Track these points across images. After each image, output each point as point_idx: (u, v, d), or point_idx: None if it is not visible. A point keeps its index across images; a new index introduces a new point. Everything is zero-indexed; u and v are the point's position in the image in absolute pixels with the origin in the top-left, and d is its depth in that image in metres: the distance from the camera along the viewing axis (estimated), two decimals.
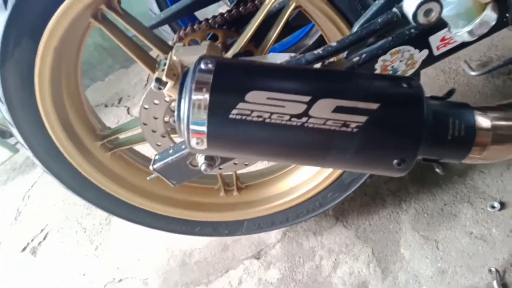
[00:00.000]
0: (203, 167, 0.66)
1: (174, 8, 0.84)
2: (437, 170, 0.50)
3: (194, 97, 0.45)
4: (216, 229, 1.05)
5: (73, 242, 1.53)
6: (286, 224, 1.06)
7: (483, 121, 0.45)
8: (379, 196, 1.10)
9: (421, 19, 0.45)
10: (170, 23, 1.33)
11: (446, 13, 0.48)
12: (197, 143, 0.47)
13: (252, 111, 0.44)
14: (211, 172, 0.95)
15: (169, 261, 1.26)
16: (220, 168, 0.90)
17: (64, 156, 0.84)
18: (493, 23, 0.48)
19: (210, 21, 0.85)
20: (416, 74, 0.73)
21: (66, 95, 0.80)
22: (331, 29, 0.68)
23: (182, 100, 0.46)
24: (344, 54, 0.62)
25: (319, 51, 0.56)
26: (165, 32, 1.42)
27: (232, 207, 1.04)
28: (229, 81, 0.45)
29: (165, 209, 1.01)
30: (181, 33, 0.84)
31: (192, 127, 0.46)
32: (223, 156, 0.59)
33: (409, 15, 0.45)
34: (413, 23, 0.46)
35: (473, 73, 1.24)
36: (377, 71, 0.60)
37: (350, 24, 0.65)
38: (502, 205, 0.94)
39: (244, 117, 0.45)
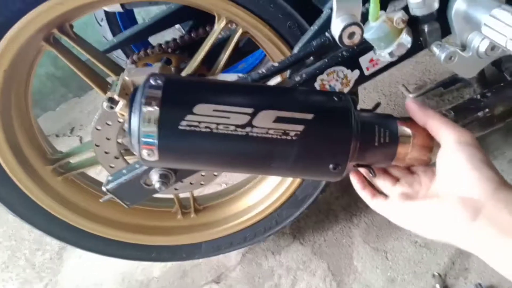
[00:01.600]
0: (157, 185, 0.67)
1: (127, 33, 0.88)
2: (370, 174, 0.55)
3: (144, 110, 0.47)
4: (174, 253, 1.04)
5: (20, 281, 1.44)
6: (245, 244, 1.08)
7: (405, 129, 0.52)
8: (332, 212, 1.15)
9: (346, 41, 0.51)
10: (123, 48, 1.36)
11: (369, 36, 0.55)
12: (148, 155, 0.49)
13: (200, 122, 0.48)
14: (168, 192, 0.96)
15: None
16: (176, 189, 0.92)
17: (13, 180, 0.82)
18: (409, 45, 0.55)
19: (163, 46, 0.89)
20: (354, 92, 0.80)
21: (15, 117, 0.79)
22: (275, 52, 0.74)
23: (133, 114, 0.49)
24: (288, 74, 0.68)
25: (263, 70, 0.62)
26: (119, 58, 1.44)
27: (190, 230, 1.04)
28: (177, 95, 0.48)
29: (120, 234, 0.99)
30: (134, 57, 0.87)
31: (142, 139, 0.48)
32: (175, 167, 0.61)
33: (336, 37, 0.52)
34: (340, 45, 0.52)
35: (410, 95, 1.36)
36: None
37: (291, 47, 0.71)
38: None
39: (192, 128, 0.48)
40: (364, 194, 0.55)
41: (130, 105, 0.50)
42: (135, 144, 0.49)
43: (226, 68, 1.13)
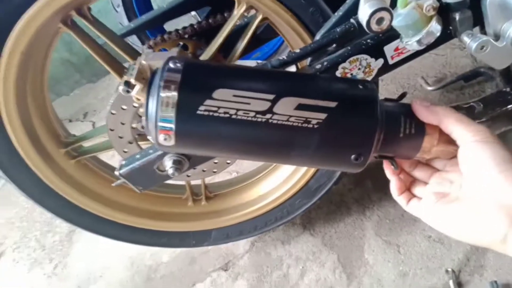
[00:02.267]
0: (170, 171, 0.66)
1: (144, 18, 0.86)
2: (393, 166, 0.53)
3: (162, 94, 0.46)
4: (183, 240, 1.04)
5: (30, 261, 1.45)
6: (255, 233, 1.07)
7: None
8: (344, 204, 1.14)
9: (374, 27, 0.49)
10: (138, 34, 1.34)
11: (397, 24, 0.53)
12: (165, 139, 0.48)
13: (219, 107, 0.46)
14: (180, 179, 0.95)
15: (134, 277, 1.22)
16: (188, 176, 0.91)
17: (26, 162, 0.81)
18: (438, 33, 0.53)
19: (180, 31, 0.87)
20: (374, 81, 0.78)
21: (31, 100, 0.79)
22: (295, 39, 0.72)
23: (150, 98, 0.48)
24: (308, 61, 0.66)
25: (284, 57, 0.60)
26: (134, 44, 1.42)
27: (200, 217, 1.04)
28: (197, 79, 0.47)
29: (130, 219, 0.99)
30: (151, 42, 0.86)
31: (160, 124, 0.47)
32: (191, 152, 0.60)
33: (364, 23, 0.49)
34: (367, 31, 0.50)
35: (429, 88, 1.33)
36: None
37: (312, 35, 0.69)
38: None
39: (211, 113, 0.46)
40: (400, 199, 0.53)
41: (148, 88, 0.49)
42: (152, 128, 0.48)
43: (241, 57, 1.11)
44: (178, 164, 0.66)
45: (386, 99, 0.53)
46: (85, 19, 0.71)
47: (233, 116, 0.46)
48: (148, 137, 0.78)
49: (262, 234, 1.13)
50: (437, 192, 0.49)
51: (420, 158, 0.52)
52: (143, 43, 1.42)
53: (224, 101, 0.46)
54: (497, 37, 0.53)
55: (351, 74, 0.65)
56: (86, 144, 0.94)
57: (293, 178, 0.97)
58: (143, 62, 0.68)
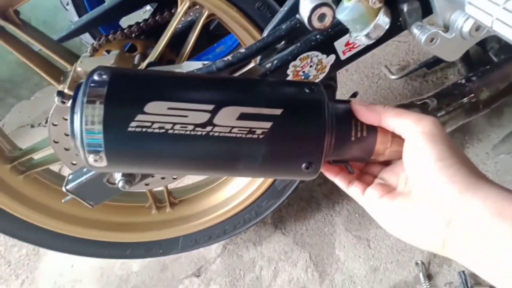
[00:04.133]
0: (120, 184, 0.62)
1: (84, 18, 0.80)
2: (349, 169, 0.50)
3: (86, 111, 0.41)
4: (149, 250, 1.00)
5: None
6: (224, 237, 1.04)
7: None
8: (314, 200, 1.12)
9: (316, 24, 0.45)
10: (90, 32, 1.27)
11: (343, 18, 0.49)
12: (95, 161, 0.44)
13: (153, 122, 0.42)
14: (138, 188, 0.91)
15: None
16: (146, 184, 0.86)
17: None
18: (387, 26, 0.50)
19: (125, 31, 0.81)
20: (332, 77, 0.75)
21: None
22: (245, 36, 0.68)
23: (75, 115, 0.43)
24: (258, 60, 0.62)
25: (229, 58, 0.56)
26: (87, 43, 1.35)
27: (166, 225, 1.00)
28: (125, 92, 0.43)
29: (90, 232, 0.94)
30: (95, 44, 0.80)
31: (87, 144, 0.42)
32: (129, 171, 0.55)
33: (305, 20, 0.46)
34: (310, 29, 0.47)
35: (393, 77, 1.32)
36: (290, 77, 0.61)
37: (261, 30, 0.65)
38: None
39: (144, 129, 0.42)
40: (352, 190, 0.49)
41: (73, 103, 0.44)
42: (80, 148, 0.44)
43: (199, 53, 1.06)
44: (128, 176, 0.62)
45: (337, 101, 0.50)
46: (12, 24, 0.65)
47: (170, 131, 0.42)
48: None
49: (233, 236, 1.10)
50: (381, 185, 0.46)
51: (375, 160, 0.49)
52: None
53: (158, 115, 0.42)
54: (446, 28, 0.51)
55: (303, 72, 0.62)
56: (35, 157, 0.87)
57: (258, 179, 0.94)
58: (79, 69, 0.63)
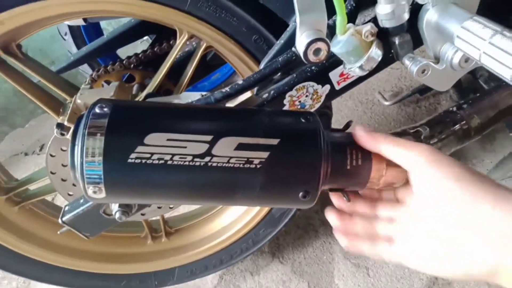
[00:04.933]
0: (117, 215, 0.62)
1: (84, 50, 0.82)
2: (345, 198, 0.51)
3: (87, 143, 0.42)
4: (144, 281, 0.97)
5: None
6: (221, 267, 1.02)
7: None
8: (312, 227, 1.11)
9: (312, 57, 0.47)
10: (89, 62, 1.29)
11: (337, 50, 0.51)
12: (95, 192, 0.44)
13: (152, 153, 0.42)
14: (135, 218, 0.90)
15: None
16: (142, 214, 0.85)
17: None
18: (379, 58, 0.52)
19: (124, 61, 0.83)
20: (327, 105, 0.77)
21: None
22: (242, 67, 0.70)
23: (75, 147, 0.43)
24: (255, 91, 0.63)
25: (227, 89, 0.57)
26: (85, 72, 1.37)
27: (161, 255, 0.98)
28: (126, 124, 0.43)
29: (85, 264, 0.92)
30: (93, 74, 0.81)
31: (87, 175, 0.43)
32: (127, 202, 0.55)
33: (301, 54, 0.47)
34: (305, 62, 0.48)
35: (386, 103, 1.34)
36: (286, 106, 0.62)
37: (258, 62, 0.67)
38: None
39: (144, 160, 0.42)
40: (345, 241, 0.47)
41: (73, 135, 0.45)
42: (79, 180, 0.44)
43: (196, 82, 1.08)
44: (125, 207, 0.61)
45: (332, 130, 0.51)
46: (14, 58, 0.66)
47: (169, 162, 0.43)
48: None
49: (230, 266, 1.08)
50: (389, 230, 0.45)
51: (370, 188, 0.50)
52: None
53: (158, 146, 0.43)
54: (437, 59, 0.53)
55: (299, 102, 0.63)
56: (31, 188, 0.87)
57: (255, 207, 0.93)
58: (78, 101, 0.64)
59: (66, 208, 0.66)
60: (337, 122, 1.22)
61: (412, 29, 0.52)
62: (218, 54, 0.80)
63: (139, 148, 0.42)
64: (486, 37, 0.42)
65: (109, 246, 0.94)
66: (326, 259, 1.04)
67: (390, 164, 0.47)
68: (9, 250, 0.84)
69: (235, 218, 0.97)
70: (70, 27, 1.37)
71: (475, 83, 0.99)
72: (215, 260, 0.99)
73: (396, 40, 0.52)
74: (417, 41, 0.55)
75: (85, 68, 1.42)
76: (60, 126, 0.58)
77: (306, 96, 0.62)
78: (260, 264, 1.09)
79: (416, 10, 0.52)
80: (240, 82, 0.57)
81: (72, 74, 1.82)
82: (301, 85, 0.60)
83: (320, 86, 0.61)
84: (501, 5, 0.60)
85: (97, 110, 0.43)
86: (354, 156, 0.47)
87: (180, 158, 0.43)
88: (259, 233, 0.96)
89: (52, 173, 0.74)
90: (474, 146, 1.09)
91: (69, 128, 0.59)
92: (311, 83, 0.60)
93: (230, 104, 0.60)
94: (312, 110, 0.64)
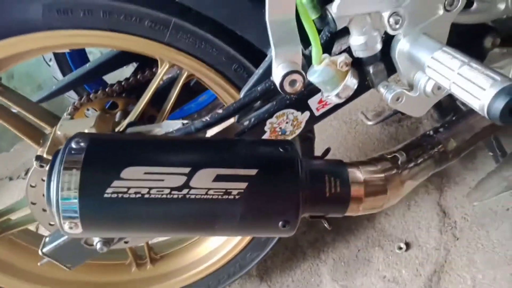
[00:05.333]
0: (98, 246, 0.61)
1: (67, 78, 0.82)
2: (325, 225, 0.51)
3: (63, 178, 0.42)
4: None
5: None
6: None
7: (356, 176, 0.49)
8: (299, 248, 1.11)
9: (288, 88, 0.48)
10: (64, 93, 1.28)
11: (314, 80, 0.52)
12: (71, 228, 0.43)
13: (129, 188, 0.42)
14: (117, 246, 0.88)
15: None
16: (126, 242, 0.84)
17: None
18: (355, 87, 0.53)
19: (107, 90, 0.83)
20: (310, 130, 0.77)
21: None
22: (224, 94, 0.71)
23: (51, 183, 0.43)
24: (236, 118, 0.64)
25: (207, 118, 0.58)
26: (70, 97, 1.36)
27: (147, 282, 0.96)
28: (102, 159, 0.43)
29: None
30: (77, 103, 0.81)
31: (63, 211, 0.42)
32: (104, 237, 0.55)
33: (277, 85, 0.48)
34: (281, 93, 0.49)
35: (370, 123, 1.36)
36: (267, 133, 0.63)
37: (239, 89, 0.68)
38: (407, 245, 1.00)
39: (120, 195, 0.42)
40: None
41: (50, 170, 0.45)
42: (55, 215, 0.43)
43: (181, 106, 1.08)
44: (106, 238, 0.61)
45: (311, 157, 0.52)
46: None
47: (146, 196, 0.43)
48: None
49: None
50: None
51: (351, 214, 0.50)
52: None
53: (135, 180, 0.43)
54: (411, 86, 0.54)
55: (280, 128, 0.64)
56: (12, 217, 0.85)
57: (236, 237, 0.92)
58: (58, 132, 0.64)
59: (47, 239, 0.65)
60: (321, 142, 1.23)
61: (385, 57, 0.54)
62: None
63: (116, 183, 0.42)
64: (454, 67, 0.44)
65: (93, 275, 0.91)
66: (314, 281, 1.03)
67: (368, 193, 0.47)
68: None
69: (221, 243, 0.96)
70: (54, 53, 1.37)
71: (454, 104, 1.01)
72: (202, 286, 0.98)
73: (371, 69, 0.54)
74: (391, 69, 0.56)
75: (70, 93, 1.41)
76: (39, 158, 0.57)
77: (287, 122, 0.63)
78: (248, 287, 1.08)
79: (388, 40, 0.53)
80: (220, 111, 0.57)
81: (58, 99, 1.82)
82: (281, 112, 0.61)
83: (299, 113, 0.62)
84: (471, 32, 0.63)
85: (73, 145, 0.43)
86: (333, 184, 0.47)
87: (158, 191, 0.43)
88: (246, 257, 0.95)
89: (32, 203, 0.73)
90: (456, 165, 1.11)
91: (48, 160, 0.59)
92: (291, 110, 0.61)
93: (211, 131, 0.61)
94: (293, 136, 0.65)
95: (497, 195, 0.77)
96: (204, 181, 0.44)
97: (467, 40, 0.64)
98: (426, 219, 1.04)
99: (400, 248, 0.99)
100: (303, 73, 0.47)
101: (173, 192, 0.43)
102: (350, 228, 1.09)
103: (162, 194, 0.43)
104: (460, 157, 0.68)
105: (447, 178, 1.10)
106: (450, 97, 1.04)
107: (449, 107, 1.11)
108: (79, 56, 1.43)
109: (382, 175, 0.52)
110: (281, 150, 0.47)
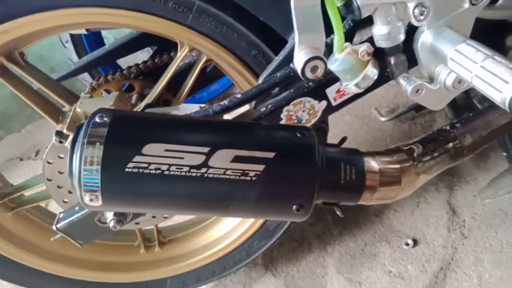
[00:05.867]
0: (112, 224, 0.62)
1: (85, 59, 0.83)
2: (338, 212, 0.51)
3: (86, 151, 0.42)
4: None
5: None
6: (213, 279, 1.02)
7: (372, 165, 0.49)
8: (306, 240, 1.11)
9: (309, 75, 0.48)
10: (89, 71, 1.30)
11: (334, 68, 0.52)
12: (91, 200, 0.44)
13: (149, 163, 0.43)
14: (129, 227, 0.90)
15: None
16: (136, 223, 0.85)
17: None
18: (375, 77, 0.53)
19: (125, 71, 0.84)
20: (324, 121, 0.78)
21: None
22: (241, 80, 0.71)
23: (74, 155, 0.44)
24: (253, 104, 0.64)
25: (225, 102, 0.58)
26: (84, 80, 1.37)
27: (154, 265, 0.97)
28: (125, 134, 0.44)
29: (78, 272, 0.91)
30: (94, 83, 0.82)
31: (84, 183, 0.43)
32: (123, 211, 0.56)
33: (298, 71, 0.49)
34: (302, 79, 0.49)
35: (383, 119, 1.36)
36: (283, 121, 0.63)
37: (257, 76, 0.68)
38: (415, 242, 1.00)
39: (141, 170, 0.43)
40: None
41: (73, 144, 0.46)
42: (76, 187, 0.44)
43: (196, 93, 1.09)
44: (120, 216, 0.61)
45: (327, 145, 0.52)
46: (16, 65, 0.67)
47: (166, 172, 0.43)
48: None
49: (222, 278, 1.07)
50: None
51: (364, 203, 0.51)
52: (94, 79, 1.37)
53: (155, 156, 0.43)
54: (431, 79, 0.54)
55: (296, 116, 0.64)
56: (26, 193, 0.87)
57: (250, 218, 0.93)
58: (78, 110, 0.65)
59: (61, 215, 0.66)
60: (333, 136, 1.23)
61: (407, 49, 0.54)
62: (217, 67, 0.81)
63: (137, 158, 0.43)
64: (478, 60, 0.44)
65: (102, 255, 0.93)
66: (319, 273, 1.03)
67: (383, 180, 0.48)
68: (2, 257, 0.84)
69: (229, 229, 0.97)
70: (71, 35, 1.39)
71: (470, 102, 1.00)
72: (208, 272, 0.99)
73: (392, 60, 0.54)
74: (412, 61, 0.56)
75: (84, 76, 1.43)
76: (59, 133, 0.59)
77: (303, 111, 0.63)
78: (253, 276, 1.09)
79: (411, 31, 0.53)
80: (239, 95, 0.58)
81: (71, 80, 1.83)
82: (298, 100, 0.61)
83: (317, 101, 0.62)
84: (493, 29, 0.62)
85: (97, 119, 0.44)
86: (348, 171, 0.48)
87: (177, 168, 0.44)
88: (253, 244, 0.96)
89: (48, 179, 0.74)
90: (468, 165, 1.10)
91: (68, 136, 0.60)
92: (308, 99, 0.62)
93: (228, 116, 0.61)
94: (309, 125, 0.65)
95: (509, 194, 0.77)
96: (223, 161, 0.44)
97: (489, 37, 0.63)
98: (435, 217, 1.03)
99: (407, 244, 0.99)
100: (325, 59, 0.48)
101: (192, 170, 0.44)
102: (357, 223, 1.10)
103: (181, 172, 0.44)
104: (474, 155, 0.68)
105: (458, 177, 1.10)
106: (466, 96, 1.03)
107: (464, 106, 1.10)
108: (95, 39, 1.44)
109: (398, 166, 0.52)
110: (299, 135, 0.47)
